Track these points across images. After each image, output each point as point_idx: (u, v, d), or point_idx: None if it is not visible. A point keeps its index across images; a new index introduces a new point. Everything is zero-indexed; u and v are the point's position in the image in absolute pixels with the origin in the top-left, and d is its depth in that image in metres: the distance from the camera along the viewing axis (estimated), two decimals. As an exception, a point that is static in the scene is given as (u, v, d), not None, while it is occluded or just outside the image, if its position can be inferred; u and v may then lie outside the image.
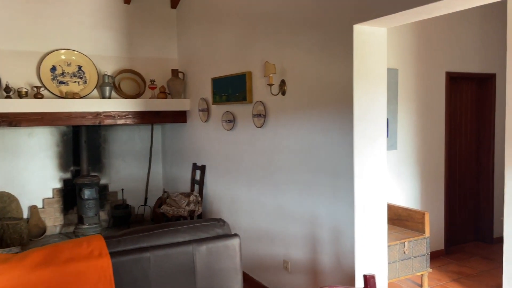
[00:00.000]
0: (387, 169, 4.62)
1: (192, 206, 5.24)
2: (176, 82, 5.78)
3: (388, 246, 3.94)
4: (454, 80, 5.21)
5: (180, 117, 5.89)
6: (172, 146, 6.53)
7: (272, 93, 3.76)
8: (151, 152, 6.89)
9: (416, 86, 4.86)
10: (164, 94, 5.77)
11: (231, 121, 4.62)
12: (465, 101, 5.48)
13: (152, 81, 5.74)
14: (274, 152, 3.91)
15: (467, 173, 5.56)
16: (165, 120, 5.84)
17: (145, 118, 5.69)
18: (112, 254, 2.44)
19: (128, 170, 6.81)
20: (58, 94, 5.21)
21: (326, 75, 3.21)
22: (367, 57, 2.97)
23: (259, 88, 4.07)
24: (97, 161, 6.60)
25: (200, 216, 5.36)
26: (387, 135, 4.63)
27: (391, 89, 4.65)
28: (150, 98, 5.74)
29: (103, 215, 6.60)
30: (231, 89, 4.50)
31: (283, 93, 3.69)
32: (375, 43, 3.00)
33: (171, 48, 6.08)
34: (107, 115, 5.44)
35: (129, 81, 5.70)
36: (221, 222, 2.88)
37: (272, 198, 3.97)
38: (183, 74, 5.87)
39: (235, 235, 2.81)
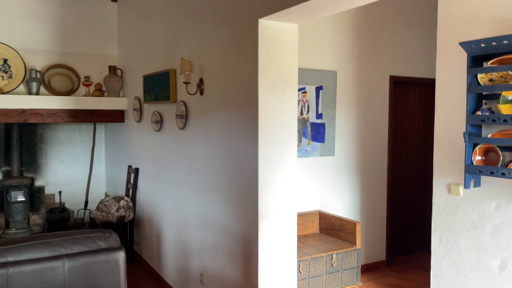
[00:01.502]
0: (297, 176, 4.37)
1: (122, 212, 4.93)
2: (113, 80, 5.46)
3: (314, 258, 3.70)
4: (400, 85, 5.01)
5: (117, 116, 5.57)
6: (113, 146, 6.20)
7: (188, 92, 3.49)
8: (92, 153, 6.54)
9: (357, 90, 4.64)
10: (100, 91, 5.45)
11: (158, 121, 4.33)
12: (413, 106, 5.30)
13: (87, 78, 5.41)
14: (194, 157, 3.64)
15: (414, 180, 5.38)
16: (100, 119, 5.51)
17: (78, 117, 5.35)
18: (-39, 271, 2.13)
19: (67, 172, 6.46)
20: (-23, 89, 4.84)
21: (237, 74, 2.95)
22: (276, 55, 2.72)
23: (182, 87, 3.79)
24: (33, 161, 6.23)
25: (131, 223, 5.04)
26: (323, 141, 4.41)
27: (329, 92, 4.42)
28: (84, 95, 5.41)
29: (37, 219, 6.23)
30: (158, 87, 4.21)
31: (201, 93, 3.42)
32: (285, 40, 2.75)
33: (111, 44, 5.75)
34: (34, 112, 5.08)
35: (61, 77, 5.36)
36: (107, 233, 2.59)
37: (193, 205, 3.69)
38: (121, 71, 5.55)
39: (119, 248, 2.52)
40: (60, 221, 6.17)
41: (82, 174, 6.57)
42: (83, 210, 6.45)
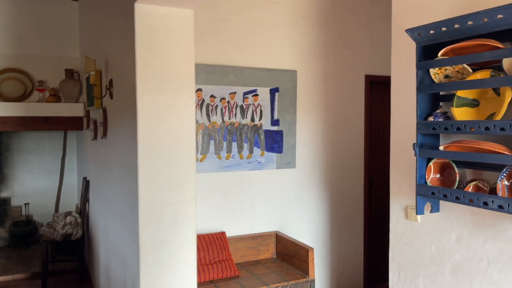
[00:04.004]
0: (249, 191, 3.73)
1: (68, 229, 4.47)
2: (69, 84, 5.05)
3: (252, 292, 3.11)
4: (378, 85, 4.33)
5: (75, 123, 5.15)
6: (81, 156, 5.80)
7: (95, 96, 2.99)
8: (63, 163, 6.18)
9: (323, 92, 4.01)
10: (55, 97, 5.05)
11: (92, 129, 3.86)
12: (397, 110, 4.59)
13: (41, 82, 5.02)
14: (110, 172, 3.14)
15: (400, 196, 4.66)
16: (56, 127, 5.11)
17: (29, 124, 4.95)
18: None
19: (36, 183, 6.11)
20: None
21: (127, 73, 2.42)
22: (162, 49, 2.18)
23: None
24: (-3, 171, 5.92)
25: (79, 241, 4.57)
26: (281, 151, 3.81)
27: (287, 95, 3.82)
28: (37, 101, 5.02)
29: (3, 232, 5.91)
30: (92, 91, 3.74)
31: (111, 96, 2.92)
32: (175, 30, 2.20)
33: (72, 46, 5.36)
34: (-20, 120, 4.73)
35: (13, 81, 4.99)
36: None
37: (112, 229, 3.18)
38: (79, 74, 5.14)
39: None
40: (25, 235, 5.82)
41: (52, 185, 6.21)
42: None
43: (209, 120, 3.50)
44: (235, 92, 3.59)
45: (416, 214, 2.38)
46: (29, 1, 5.14)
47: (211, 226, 3.53)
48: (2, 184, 5.94)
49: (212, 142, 3.52)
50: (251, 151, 3.69)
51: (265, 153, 3.75)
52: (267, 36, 3.71)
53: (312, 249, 3.33)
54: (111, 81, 2.89)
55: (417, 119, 2.34)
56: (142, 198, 2.16)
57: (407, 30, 2.32)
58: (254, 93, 3.67)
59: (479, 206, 2.01)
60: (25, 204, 5.97)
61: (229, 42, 3.55)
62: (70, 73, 5.06)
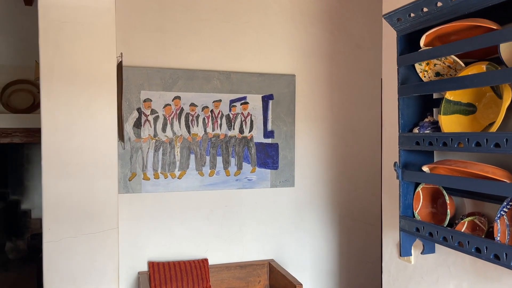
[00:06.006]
0: (233, 212, 3.22)
1: (64, 246, 4.26)
2: (77, 95, 4.90)
3: (223, 335, 2.63)
4: (400, 91, 3.70)
5: (82, 136, 4.98)
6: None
7: (47, 106, 2.70)
8: (82, 175, 6.07)
9: (329, 99, 3.47)
10: (63, 108, 4.91)
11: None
12: (426, 120, 3.93)
13: (49, 94, 4.91)
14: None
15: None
16: (64, 139, 4.96)
17: (37, 136, 4.84)
18: None
19: (56, 194, 6.05)
20: None
21: (53, 77, 2.08)
22: (73, 47, 1.81)
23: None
24: (19, 183, 5.93)
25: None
26: (276, 167, 3.32)
27: (283, 103, 3.33)
28: (46, 113, 4.91)
29: (22, 245, 5.89)
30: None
31: (66, 106, 2.61)
32: (91, 25, 1.83)
33: (84, 56, 5.23)
34: (-13, 132, 4.69)
35: (24, 93, 4.91)
36: None
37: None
38: (87, 85, 4.98)
39: None
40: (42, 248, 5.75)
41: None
42: (71, 236, 5.94)
43: (189, 131, 3.10)
44: (220, 100, 3.17)
45: (400, 255, 1.81)
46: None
47: (191, 253, 3.12)
48: (23, 196, 5.94)
49: (192, 156, 3.12)
50: (239, 167, 3.23)
51: (257, 169, 3.28)
52: (258, 36, 3.26)
53: (300, 285, 2.79)
54: (64, 89, 2.59)
55: (399, 131, 1.78)
56: (46, 227, 1.80)
57: (385, 16, 1.78)
58: (243, 101, 3.23)
59: (470, 253, 1.42)
60: (44, 216, 5.93)
61: (213, 43, 3.14)
62: (78, 84, 4.91)
